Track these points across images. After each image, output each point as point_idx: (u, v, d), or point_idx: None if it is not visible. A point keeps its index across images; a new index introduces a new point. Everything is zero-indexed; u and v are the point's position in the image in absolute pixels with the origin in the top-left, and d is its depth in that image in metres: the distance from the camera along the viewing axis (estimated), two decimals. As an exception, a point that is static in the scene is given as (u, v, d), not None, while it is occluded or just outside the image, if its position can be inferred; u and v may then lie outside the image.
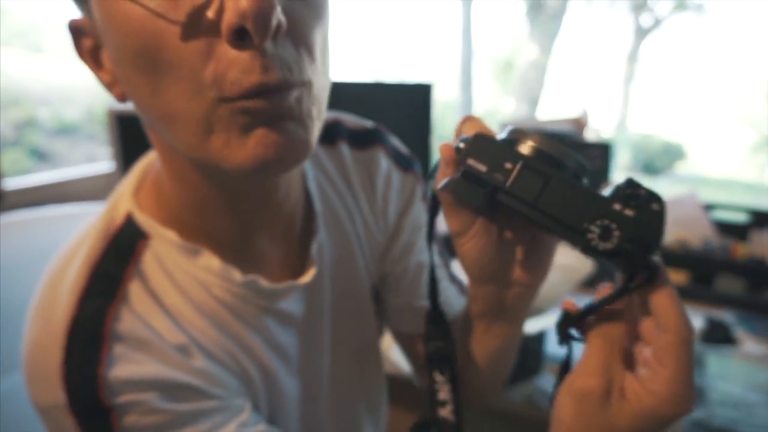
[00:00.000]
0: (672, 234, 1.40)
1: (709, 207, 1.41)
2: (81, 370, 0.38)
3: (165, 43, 0.33)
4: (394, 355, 1.08)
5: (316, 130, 0.38)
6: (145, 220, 0.44)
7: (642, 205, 0.33)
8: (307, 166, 0.54)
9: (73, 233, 0.46)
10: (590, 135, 1.57)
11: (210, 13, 0.32)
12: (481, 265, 0.43)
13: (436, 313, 0.50)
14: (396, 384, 1.07)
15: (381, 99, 1.43)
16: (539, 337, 0.98)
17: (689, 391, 0.32)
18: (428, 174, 0.40)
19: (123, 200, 0.46)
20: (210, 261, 0.45)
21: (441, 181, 0.38)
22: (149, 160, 0.49)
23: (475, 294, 0.47)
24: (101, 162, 2.20)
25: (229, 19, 0.31)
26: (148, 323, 0.41)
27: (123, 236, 0.44)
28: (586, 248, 0.34)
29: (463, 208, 0.40)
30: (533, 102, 3.17)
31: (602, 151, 1.36)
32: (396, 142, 0.62)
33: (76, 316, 0.40)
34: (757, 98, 2.81)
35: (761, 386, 0.91)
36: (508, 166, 0.35)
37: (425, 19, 3.22)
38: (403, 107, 1.39)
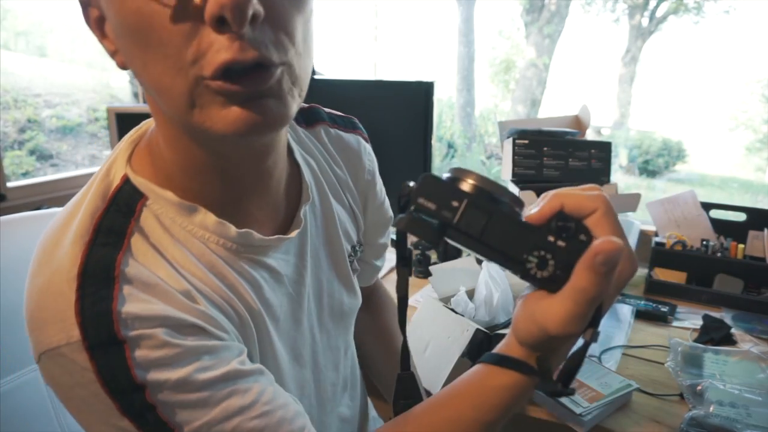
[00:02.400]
0: (670, 234, 1.40)
1: (707, 206, 1.41)
2: (95, 307, 0.40)
3: (156, 23, 0.37)
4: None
5: (294, 105, 0.43)
6: (142, 182, 0.47)
7: (572, 237, 0.38)
8: (293, 142, 0.60)
9: (66, 204, 0.49)
10: (590, 134, 1.57)
11: (197, 0, 0.36)
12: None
13: (407, 375, 0.55)
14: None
15: (382, 97, 1.43)
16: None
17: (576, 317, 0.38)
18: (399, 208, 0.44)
19: (117, 166, 0.49)
20: (206, 217, 0.48)
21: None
22: (139, 131, 0.52)
23: None
24: (102, 162, 2.21)
25: (210, 8, 0.35)
26: (152, 271, 0.44)
27: (122, 196, 0.47)
28: (526, 276, 0.39)
29: None
30: (534, 102, 3.17)
31: (602, 150, 1.36)
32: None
33: (86, 262, 0.42)
34: (756, 99, 2.82)
35: (759, 385, 0.91)
36: (455, 204, 0.38)
37: (426, 19, 3.23)
38: (404, 105, 1.40)
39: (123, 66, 0.44)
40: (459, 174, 0.40)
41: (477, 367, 0.47)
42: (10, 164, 1.91)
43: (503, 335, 0.92)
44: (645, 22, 2.96)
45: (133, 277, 0.43)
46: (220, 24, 0.36)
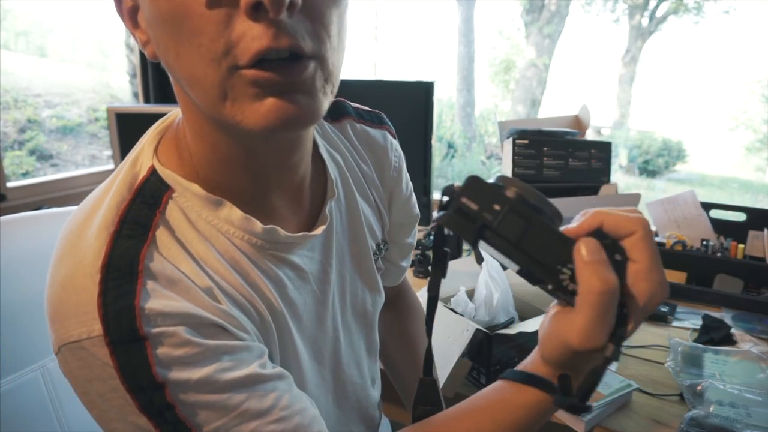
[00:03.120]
0: (670, 234, 1.40)
1: (707, 206, 1.41)
2: (118, 302, 0.40)
3: (190, 11, 0.36)
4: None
5: (326, 102, 0.42)
6: (168, 175, 0.47)
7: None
8: (318, 137, 0.59)
9: (91, 193, 0.49)
10: (590, 134, 1.57)
11: None
12: None
13: (429, 382, 0.53)
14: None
15: (382, 97, 1.43)
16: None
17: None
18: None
19: (144, 157, 0.48)
20: (232, 212, 0.48)
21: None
22: (165, 121, 0.52)
23: None
24: (103, 162, 2.21)
25: None
26: (176, 266, 0.44)
27: (148, 188, 0.46)
28: (557, 287, 0.39)
29: None
30: (534, 102, 3.17)
31: (602, 150, 1.36)
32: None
33: (110, 255, 0.41)
34: (756, 99, 2.82)
35: (759, 385, 0.91)
36: (497, 207, 0.39)
37: (426, 19, 3.23)
38: (404, 105, 1.40)
39: (154, 57, 0.43)
40: (504, 181, 0.40)
41: (500, 383, 0.47)
42: (10, 164, 1.91)
43: (503, 335, 0.93)
44: (645, 22, 2.96)
45: (157, 272, 0.42)
46: (256, 10, 0.35)
